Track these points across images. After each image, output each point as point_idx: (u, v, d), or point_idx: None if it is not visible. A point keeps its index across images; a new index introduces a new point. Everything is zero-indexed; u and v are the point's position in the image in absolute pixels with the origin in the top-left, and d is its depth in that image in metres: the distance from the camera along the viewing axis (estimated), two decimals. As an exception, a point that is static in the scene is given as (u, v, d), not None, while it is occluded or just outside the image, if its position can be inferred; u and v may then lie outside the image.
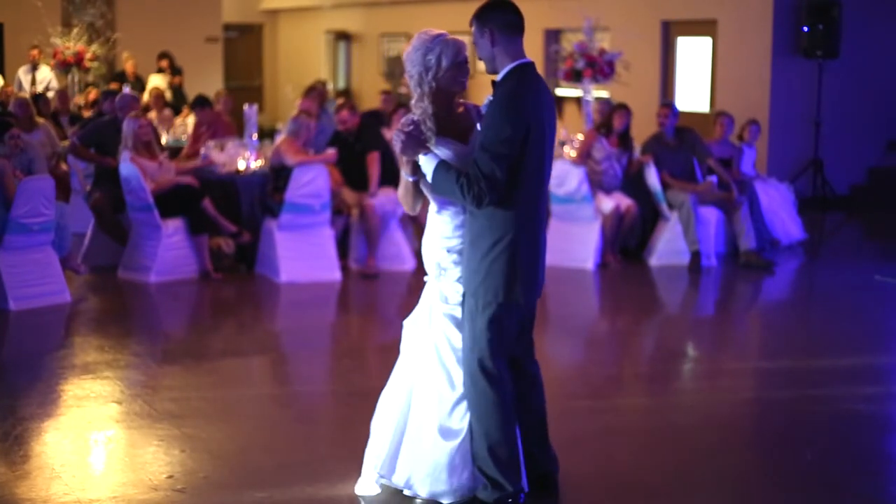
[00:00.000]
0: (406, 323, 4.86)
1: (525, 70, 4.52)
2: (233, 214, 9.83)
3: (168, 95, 15.70)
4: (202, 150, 10.66)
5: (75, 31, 15.43)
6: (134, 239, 9.59)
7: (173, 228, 9.44)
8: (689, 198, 10.29)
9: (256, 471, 5.20)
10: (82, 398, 6.34)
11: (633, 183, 10.60)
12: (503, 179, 4.42)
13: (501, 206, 4.48)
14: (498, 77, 4.54)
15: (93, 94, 14.15)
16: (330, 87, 19.21)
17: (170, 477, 5.12)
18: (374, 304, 9.29)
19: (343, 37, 21.99)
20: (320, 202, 9.45)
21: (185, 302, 9.14)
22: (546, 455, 4.90)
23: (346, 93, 20.35)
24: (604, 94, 12.93)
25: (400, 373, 4.86)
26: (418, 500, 4.75)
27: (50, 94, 13.83)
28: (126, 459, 5.41)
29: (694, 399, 6.59)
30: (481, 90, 5.03)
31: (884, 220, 13.35)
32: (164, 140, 11.58)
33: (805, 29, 13.50)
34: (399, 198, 4.84)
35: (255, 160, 10.24)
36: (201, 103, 11.84)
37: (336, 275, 9.55)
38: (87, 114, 13.35)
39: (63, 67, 15.10)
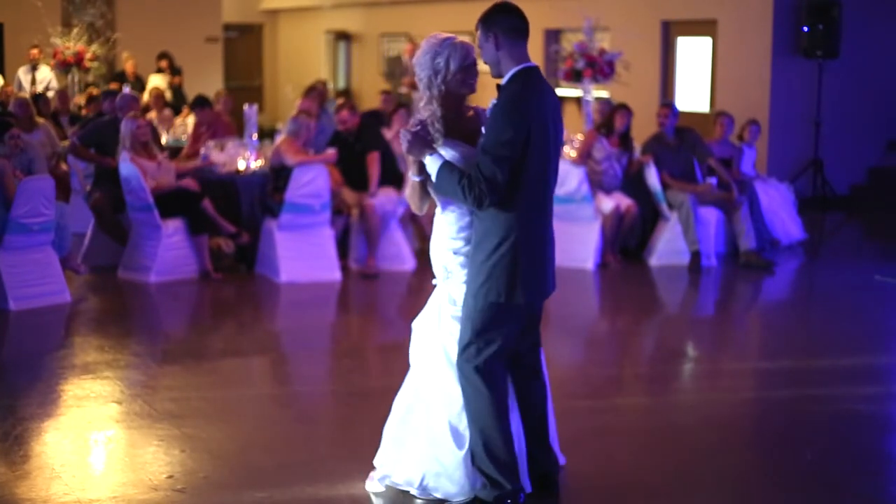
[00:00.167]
0: (414, 325, 4.88)
1: (529, 73, 4.54)
2: (233, 214, 9.83)
3: (168, 95, 15.70)
4: (202, 151, 10.66)
5: (75, 31, 15.41)
6: (134, 239, 9.59)
7: (173, 228, 9.43)
8: (688, 198, 10.29)
9: (256, 471, 5.20)
10: (82, 398, 6.34)
11: (633, 183, 10.60)
12: (504, 181, 4.44)
13: (503, 207, 4.50)
14: (502, 81, 4.56)
15: (94, 92, 14.13)
16: (330, 87, 19.19)
17: (170, 477, 5.12)
18: (374, 305, 9.29)
19: (343, 37, 21.99)
20: (320, 202, 9.45)
21: (185, 302, 9.14)
22: (546, 456, 4.90)
23: (346, 93, 20.34)
24: (604, 94, 12.92)
25: (412, 376, 4.88)
26: (428, 501, 4.75)
27: (50, 94, 13.83)
28: (126, 459, 5.41)
29: (694, 399, 6.60)
30: (483, 91, 5.02)
31: (884, 220, 13.35)
32: (164, 140, 11.57)
33: (805, 29, 13.50)
34: (406, 197, 4.88)
35: (255, 160, 10.23)
36: (201, 103, 11.83)
37: (336, 275, 9.55)
38: (85, 112, 13.34)
39: (63, 67, 15.09)
